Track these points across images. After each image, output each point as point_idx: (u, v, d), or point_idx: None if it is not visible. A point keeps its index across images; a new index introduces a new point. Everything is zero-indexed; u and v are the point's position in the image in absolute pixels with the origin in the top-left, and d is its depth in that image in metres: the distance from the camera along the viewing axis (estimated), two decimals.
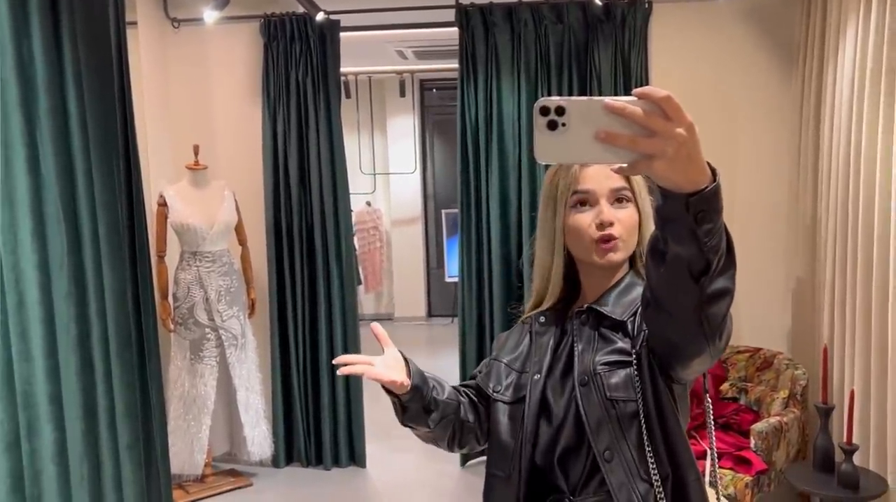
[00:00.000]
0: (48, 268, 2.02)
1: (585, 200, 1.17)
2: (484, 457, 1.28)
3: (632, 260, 1.22)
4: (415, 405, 1.19)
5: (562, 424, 1.15)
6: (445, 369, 4.81)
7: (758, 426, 2.85)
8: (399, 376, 1.15)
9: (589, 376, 1.13)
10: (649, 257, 0.95)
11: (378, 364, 1.15)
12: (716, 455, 1.24)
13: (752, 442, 2.82)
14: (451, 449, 1.31)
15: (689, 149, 0.78)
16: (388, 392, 1.18)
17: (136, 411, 2.32)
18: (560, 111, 0.77)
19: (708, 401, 1.25)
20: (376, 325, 1.26)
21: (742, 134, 3.66)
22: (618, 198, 1.17)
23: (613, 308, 1.17)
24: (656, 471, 1.09)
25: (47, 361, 2.01)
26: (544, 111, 0.78)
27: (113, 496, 2.22)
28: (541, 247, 1.24)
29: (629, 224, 1.17)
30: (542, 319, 1.24)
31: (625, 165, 0.79)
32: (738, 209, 3.55)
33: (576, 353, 1.17)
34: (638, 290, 1.17)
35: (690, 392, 1.20)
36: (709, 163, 0.82)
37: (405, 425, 1.24)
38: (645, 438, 1.09)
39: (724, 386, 3.41)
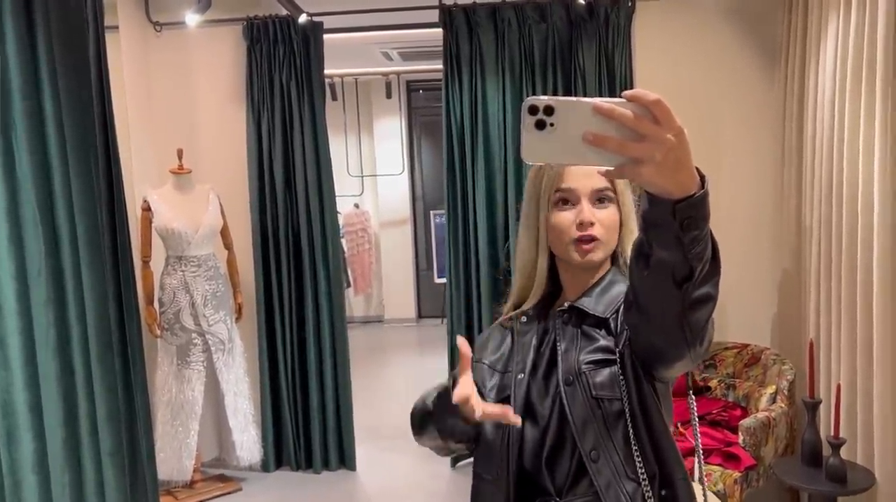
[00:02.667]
0: (25, 273, 1.99)
1: (567, 198, 1.16)
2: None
3: (613, 257, 1.21)
4: (471, 429, 1.18)
5: (547, 424, 1.14)
6: (435, 370, 4.79)
7: (746, 422, 2.85)
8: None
9: (574, 375, 1.12)
10: (633, 261, 0.94)
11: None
12: (701, 451, 1.24)
13: (741, 437, 2.82)
14: (449, 454, 1.30)
15: (678, 154, 0.76)
16: (462, 419, 1.13)
17: (119, 417, 2.29)
18: (549, 111, 0.76)
19: (691, 398, 1.24)
20: (464, 343, 1.09)
21: (725, 131, 3.66)
22: (599, 198, 1.16)
23: (596, 305, 1.16)
24: (643, 470, 1.08)
25: (26, 368, 1.98)
26: (533, 110, 0.76)
27: None
28: (524, 244, 1.23)
29: (609, 224, 1.16)
30: (524, 319, 1.23)
31: (612, 168, 0.78)
32: (722, 208, 3.55)
33: (559, 352, 1.16)
34: (619, 288, 1.16)
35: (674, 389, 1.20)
36: (697, 169, 0.81)
37: (445, 443, 1.21)
38: (631, 437, 1.09)
39: (713, 383, 3.42)
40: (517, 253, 1.25)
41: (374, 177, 7.58)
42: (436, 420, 1.19)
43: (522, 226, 1.23)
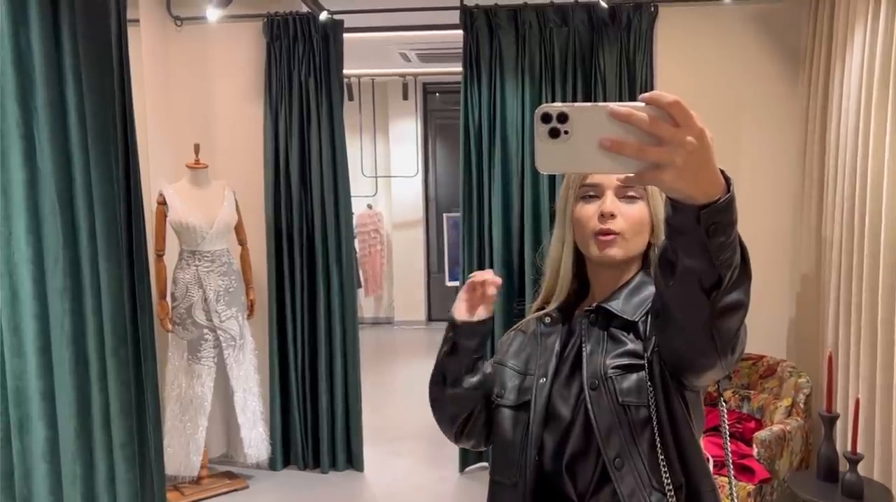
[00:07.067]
0: (42, 263, 1.99)
1: (593, 193, 1.14)
2: (483, 463, 1.25)
3: (644, 259, 1.18)
4: (469, 343, 1.19)
5: (569, 429, 1.10)
6: None
7: (761, 434, 2.81)
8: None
9: (599, 380, 1.08)
10: (659, 268, 0.91)
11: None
12: (730, 461, 1.20)
13: (755, 450, 2.78)
14: (459, 435, 1.26)
15: (700, 158, 0.73)
16: (454, 325, 1.19)
17: (131, 410, 2.28)
18: (562, 118, 0.74)
19: (722, 406, 1.21)
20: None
21: (747, 137, 3.63)
22: (627, 195, 1.13)
23: (624, 307, 1.12)
24: (669, 481, 1.05)
25: (40, 357, 1.97)
26: (546, 118, 0.74)
27: (106, 496, 2.18)
28: (554, 239, 1.21)
29: (635, 221, 1.12)
30: (548, 320, 1.20)
31: (632, 175, 0.75)
32: (742, 216, 3.50)
33: (584, 355, 1.12)
34: (649, 290, 1.12)
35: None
36: (723, 172, 0.78)
37: (446, 378, 1.21)
38: (658, 446, 1.05)
39: (727, 394, 3.38)
40: (549, 249, 1.23)
41: (388, 178, 7.58)
42: (445, 357, 1.21)
43: (556, 221, 1.21)
